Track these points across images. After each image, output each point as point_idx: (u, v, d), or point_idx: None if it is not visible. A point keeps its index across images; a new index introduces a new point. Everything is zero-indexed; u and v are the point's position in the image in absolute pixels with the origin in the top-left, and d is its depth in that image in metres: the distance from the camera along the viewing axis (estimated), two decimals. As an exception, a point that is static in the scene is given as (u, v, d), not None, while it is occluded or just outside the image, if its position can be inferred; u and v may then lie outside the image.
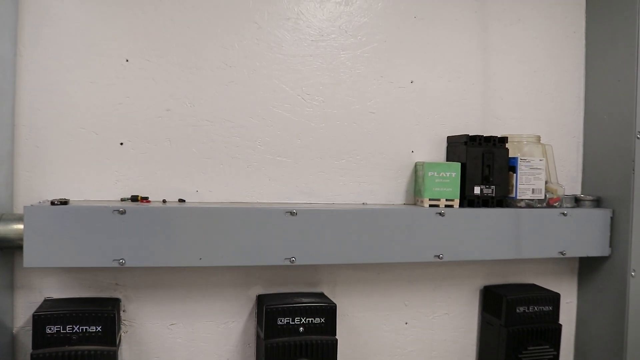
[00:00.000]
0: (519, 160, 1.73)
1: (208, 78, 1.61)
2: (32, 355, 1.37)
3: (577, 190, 1.98)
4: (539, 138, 1.82)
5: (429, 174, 1.67)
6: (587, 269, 1.96)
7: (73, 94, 1.53)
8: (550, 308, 1.79)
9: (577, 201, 1.90)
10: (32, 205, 1.37)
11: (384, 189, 1.77)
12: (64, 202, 1.40)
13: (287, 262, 1.49)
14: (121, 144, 1.56)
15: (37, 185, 1.51)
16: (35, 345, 1.39)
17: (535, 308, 1.77)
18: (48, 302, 1.50)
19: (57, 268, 1.53)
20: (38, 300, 1.51)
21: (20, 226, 1.38)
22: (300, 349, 1.53)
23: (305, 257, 1.51)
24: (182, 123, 1.60)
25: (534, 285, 1.91)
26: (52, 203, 1.38)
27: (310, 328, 1.55)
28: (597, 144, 1.95)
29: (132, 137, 1.57)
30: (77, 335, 1.41)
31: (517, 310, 1.74)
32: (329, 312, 1.57)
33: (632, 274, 1.78)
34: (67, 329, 1.41)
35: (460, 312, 1.87)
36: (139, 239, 1.40)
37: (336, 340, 1.56)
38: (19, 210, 1.48)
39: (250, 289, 1.66)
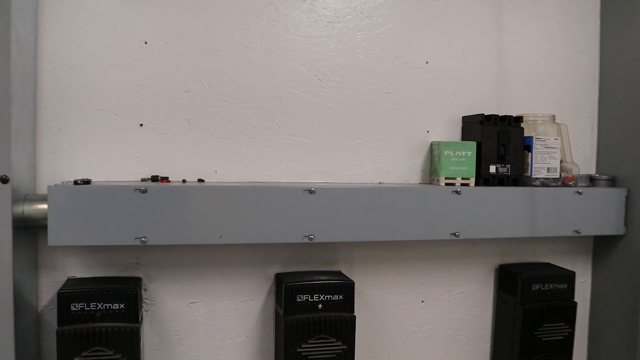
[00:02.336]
0: (534, 139, 1.74)
1: (226, 60, 1.63)
2: (57, 332, 1.40)
3: (591, 171, 1.99)
4: (553, 117, 1.83)
5: (445, 152, 1.68)
6: (601, 248, 1.97)
7: (93, 77, 1.55)
8: (566, 286, 1.80)
9: (591, 180, 1.91)
10: (55, 184, 1.39)
11: (400, 169, 1.78)
12: (87, 182, 1.42)
13: (306, 240, 1.51)
14: (141, 125, 1.58)
15: (59, 167, 1.54)
16: (61, 322, 1.42)
17: (551, 286, 1.78)
18: (71, 281, 1.52)
19: (80, 248, 1.56)
20: (62, 280, 1.54)
21: (44, 206, 1.41)
22: (319, 326, 1.55)
23: (324, 235, 1.53)
24: (201, 104, 1.62)
25: (548, 264, 1.92)
26: (75, 183, 1.40)
27: (328, 305, 1.57)
28: (611, 124, 1.95)
29: (151, 118, 1.59)
30: (101, 313, 1.44)
31: (533, 288, 1.76)
32: (347, 289, 1.59)
33: (647, 252, 1.79)
34: (91, 306, 1.43)
35: (475, 291, 1.89)
36: (160, 218, 1.42)
37: (354, 316, 1.58)
38: (42, 191, 1.51)
39: (269, 267, 1.69)
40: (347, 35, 1.73)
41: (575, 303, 1.81)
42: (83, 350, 1.40)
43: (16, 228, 1.36)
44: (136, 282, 1.54)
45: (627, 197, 1.84)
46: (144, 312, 1.59)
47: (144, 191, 1.41)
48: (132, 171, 1.58)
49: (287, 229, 1.50)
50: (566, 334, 1.79)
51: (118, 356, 1.42)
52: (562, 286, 1.79)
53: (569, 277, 1.81)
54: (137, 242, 1.41)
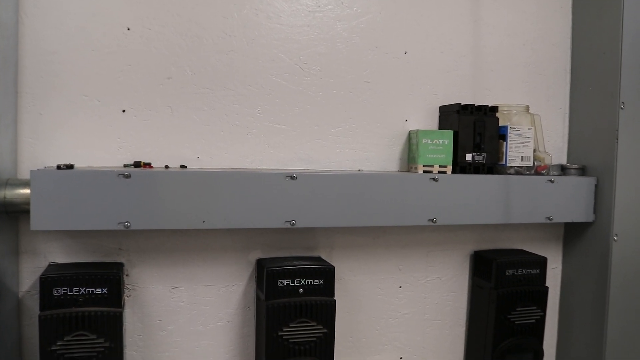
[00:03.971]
0: (508, 128, 1.79)
1: (208, 47, 1.64)
2: (39, 316, 1.40)
3: (562, 160, 2.05)
4: (527, 108, 1.88)
5: (423, 141, 1.72)
6: (571, 235, 2.04)
7: (75, 62, 1.55)
8: (538, 271, 1.86)
9: (563, 169, 1.97)
10: (38, 169, 1.39)
11: (379, 157, 1.82)
12: (70, 167, 1.42)
13: (288, 225, 1.53)
14: (123, 111, 1.59)
15: (40, 152, 1.54)
16: (43, 307, 1.42)
17: (524, 271, 1.83)
18: (53, 267, 1.52)
19: (62, 233, 1.56)
20: (43, 265, 1.54)
21: (26, 191, 1.41)
22: (300, 309, 1.58)
23: (305, 220, 1.55)
24: (183, 91, 1.63)
25: (521, 250, 1.98)
26: (58, 167, 1.41)
27: (309, 289, 1.60)
28: (582, 115, 2.01)
29: (134, 104, 1.59)
30: (84, 297, 1.44)
31: (507, 273, 1.81)
32: (328, 273, 1.62)
33: (615, 238, 1.86)
34: (74, 291, 1.43)
35: (451, 277, 1.94)
36: (143, 203, 1.43)
37: (334, 300, 1.61)
38: (23, 176, 1.50)
39: (250, 253, 1.71)
40: (328, 25, 1.75)
41: (547, 287, 1.87)
42: (66, 334, 1.40)
43: (-3, 214, 1.36)
44: (118, 267, 1.55)
45: (596, 185, 1.90)
46: (125, 298, 1.60)
47: (128, 176, 1.42)
48: (115, 157, 1.59)
49: (269, 214, 1.52)
50: (538, 317, 1.85)
51: (101, 340, 1.43)
52: (534, 271, 1.85)
53: (541, 263, 1.87)
54: (121, 227, 1.42)
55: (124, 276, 1.60)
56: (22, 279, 1.55)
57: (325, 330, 1.60)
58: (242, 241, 1.70)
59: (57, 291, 1.43)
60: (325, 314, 1.60)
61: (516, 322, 1.82)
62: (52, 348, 1.40)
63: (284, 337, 1.57)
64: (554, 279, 2.05)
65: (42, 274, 1.44)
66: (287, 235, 1.74)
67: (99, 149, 1.58)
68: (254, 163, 1.70)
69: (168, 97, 1.62)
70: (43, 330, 1.40)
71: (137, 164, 1.55)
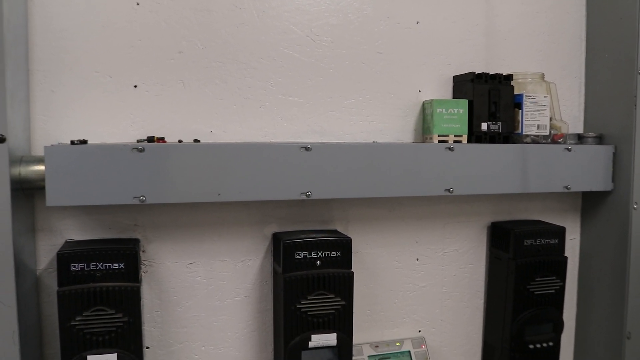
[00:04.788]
0: (524, 96, 1.77)
1: (219, 20, 1.63)
2: (58, 292, 1.40)
3: (579, 129, 2.02)
4: (542, 76, 1.85)
5: (438, 110, 1.70)
6: (589, 205, 2.01)
7: (85, 39, 1.54)
8: (556, 241, 1.84)
9: (580, 138, 1.94)
10: (52, 145, 1.39)
11: (393, 128, 1.80)
12: (84, 142, 1.42)
13: (303, 197, 1.52)
14: (135, 86, 1.58)
15: (53, 129, 1.53)
16: (61, 283, 1.41)
17: (542, 241, 1.81)
18: (69, 243, 1.52)
19: (77, 210, 1.56)
20: (59, 243, 1.54)
21: (41, 167, 1.41)
22: (318, 282, 1.57)
23: (320, 192, 1.54)
24: (195, 65, 1.62)
25: (539, 221, 1.96)
26: (72, 143, 1.40)
27: (326, 261, 1.59)
28: (598, 83, 1.98)
29: (145, 79, 1.58)
30: (101, 273, 1.44)
31: (525, 244, 1.79)
32: (345, 245, 1.61)
33: (635, 207, 1.83)
34: (91, 266, 1.43)
35: (469, 249, 1.92)
36: (158, 177, 1.43)
37: (352, 272, 1.60)
38: (37, 152, 1.50)
39: (266, 227, 1.70)
40: (339, -4, 1.74)
41: (566, 257, 1.85)
42: (84, 310, 1.40)
43: (13, 190, 1.36)
44: (135, 243, 1.55)
45: (614, 153, 1.87)
46: (142, 274, 1.60)
47: (142, 150, 1.41)
48: (128, 133, 1.58)
49: (284, 186, 1.51)
50: (557, 287, 1.83)
51: (120, 315, 1.43)
52: (553, 241, 1.83)
53: (560, 232, 1.85)
54: (136, 201, 1.41)
55: (140, 252, 1.59)
56: (39, 257, 1.55)
57: (343, 302, 1.59)
58: (257, 215, 1.69)
59: (74, 267, 1.42)
60: (343, 285, 1.59)
61: (535, 293, 1.80)
62: (72, 323, 1.40)
63: (303, 309, 1.56)
64: (572, 250, 2.03)
65: (59, 250, 1.43)
66: (303, 209, 1.73)
67: (112, 125, 1.57)
68: (267, 136, 1.68)
69: (179, 71, 1.61)
70: (62, 305, 1.40)
71: (150, 139, 1.54)
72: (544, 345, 1.83)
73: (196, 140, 1.60)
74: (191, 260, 1.65)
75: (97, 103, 1.56)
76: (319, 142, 1.59)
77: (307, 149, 1.52)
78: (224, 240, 1.67)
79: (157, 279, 1.63)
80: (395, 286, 1.85)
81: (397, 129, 1.80)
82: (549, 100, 1.79)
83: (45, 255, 1.55)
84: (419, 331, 1.90)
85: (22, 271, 1.41)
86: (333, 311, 1.58)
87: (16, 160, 1.39)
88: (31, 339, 1.48)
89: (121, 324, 1.43)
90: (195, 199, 1.47)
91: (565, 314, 1.88)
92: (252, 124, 1.67)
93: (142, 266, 1.60)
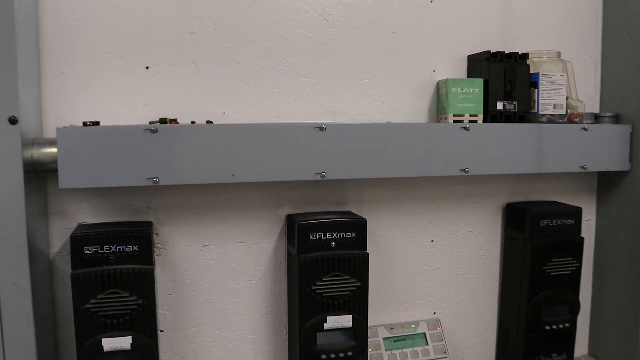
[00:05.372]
0: (540, 75, 1.74)
1: (230, 0, 1.60)
2: (72, 275, 1.39)
3: (595, 109, 1.99)
4: (559, 54, 1.82)
5: (453, 89, 1.67)
6: (606, 185, 1.99)
7: (96, 20, 1.52)
8: (573, 221, 1.81)
9: (596, 118, 1.91)
10: (64, 126, 1.37)
11: (407, 108, 1.78)
12: (96, 124, 1.40)
13: (318, 177, 1.50)
14: (147, 68, 1.56)
15: (65, 111, 1.52)
16: (74, 265, 1.41)
17: (558, 221, 1.79)
18: (82, 226, 1.51)
19: (90, 193, 1.55)
20: (72, 226, 1.53)
21: (53, 149, 1.39)
22: (333, 263, 1.56)
23: (335, 172, 1.52)
24: (207, 46, 1.59)
25: (555, 201, 1.94)
26: (84, 124, 1.39)
27: (341, 243, 1.58)
28: (615, 62, 1.95)
29: (157, 60, 1.57)
30: (115, 255, 1.43)
31: (541, 224, 1.77)
32: (360, 226, 1.59)
33: (652, 186, 1.81)
34: (104, 249, 1.42)
35: (484, 230, 1.91)
36: (171, 158, 1.41)
37: (367, 253, 1.59)
38: (49, 135, 1.49)
39: (280, 209, 1.69)
40: (352, -26, 1.71)
41: (582, 238, 1.83)
42: (98, 292, 1.40)
43: (26, 172, 1.34)
44: (148, 225, 1.54)
45: (631, 133, 1.84)
46: (156, 257, 1.59)
47: (154, 131, 1.39)
48: (140, 114, 1.56)
49: (299, 167, 1.50)
50: (574, 268, 1.81)
51: (134, 298, 1.42)
52: (569, 222, 1.81)
53: (576, 213, 1.82)
54: (149, 183, 1.40)
55: (154, 235, 1.58)
56: (52, 240, 1.54)
57: (358, 284, 1.58)
58: (271, 197, 1.68)
59: (87, 250, 1.42)
60: (359, 267, 1.58)
61: (551, 274, 1.78)
62: (86, 306, 1.39)
63: (317, 291, 1.55)
64: (588, 231, 2.01)
65: (73, 233, 1.43)
66: (316, 190, 1.71)
67: (124, 106, 1.55)
68: (280, 117, 1.66)
69: (192, 52, 1.59)
70: (76, 288, 1.39)
71: (162, 121, 1.52)
72: (560, 326, 1.81)
73: (209, 122, 1.58)
74: (204, 243, 1.64)
75: (108, 85, 1.54)
76: (333, 122, 1.56)
77: (321, 129, 1.50)
78: (237, 222, 1.65)
79: (170, 261, 1.62)
80: (409, 268, 1.84)
81: (412, 109, 1.78)
82: (565, 79, 1.76)
83: (58, 239, 1.55)
84: (434, 313, 1.88)
85: (36, 255, 1.41)
86: (348, 292, 1.57)
87: (28, 142, 1.38)
88: (45, 323, 1.48)
89: (135, 306, 1.42)
90: (209, 180, 1.45)
91: (581, 295, 1.86)
92: (265, 104, 1.65)
93: (155, 249, 1.59)
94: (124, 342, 1.42)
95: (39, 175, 1.44)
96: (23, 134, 1.33)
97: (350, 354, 1.60)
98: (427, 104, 1.80)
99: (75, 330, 1.40)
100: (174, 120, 1.53)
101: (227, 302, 1.68)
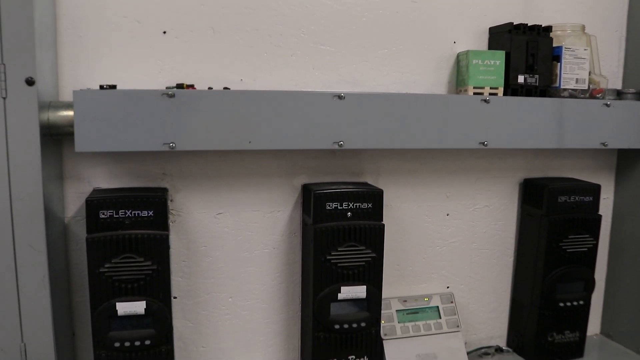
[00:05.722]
0: (563, 49, 1.70)
1: (249, -36, 1.58)
2: (87, 239, 1.39)
3: (617, 86, 1.96)
4: (583, 28, 1.78)
5: (474, 61, 1.65)
6: (625, 163, 1.96)
7: (114, -18, 1.51)
8: (591, 198, 1.79)
9: (619, 94, 1.87)
10: (81, 89, 1.36)
11: (426, 80, 1.75)
12: (113, 87, 1.39)
13: (335, 146, 1.49)
14: (164, 32, 1.54)
15: (81, 75, 1.50)
16: (90, 230, 1.40)
17: (576, 198, 1.77)
18: (97, 191, 1.51)
19: (105, 158, 1.54)
20: (87, 191, 1.53)
21: (69, 113, 1.39)
22: (349, 233, 1.55)
23: (353, 142, 1.50)
24: (225, 11, 1.57)
25: (572, 178, 1.91)
26: (101, 87, 1.37)
27: (357, 213, 1.56)
28: (640, 38, 1.91)
29: (175, 25, 1.54)
30: (130, 220, 1.42)
31: (559, 200, 1.75)
32: (376, 197, 1.58)
33: (673, 165, 1.79)
34: (120, 213, 1.42)
35: (500, 205, 1.89)
36: (188, 123, 1.40)
37: (383, 225, 1.58)
38: (65, 98, 1.48)
39: (295, 178, 1.67)
40: (373, -59, 1.67)
41: (600, 215, 1.81)
42: (113, 257, 1.39)
43: (42, 135, 1.34)
44: (163, 191, 1.53)
45: (654, 110, 1.81)
46: (170, 224, 1.59)
47: (172, 96, 1.38)
48: (156, 80, 1.55)
49: (316, 135, 1.48)
50: (590, 245, 1.79)
51: (148, 263, 1.42)
52: (587, 199, 1.79)
53: (595, 190, 1.80)
54: (166, 148, 1.39)
55: (169, 201, 1.58)
56: (68, 205, 1.54)
57: (374, 255, 1.57)
58: (287, 166, 1.66)
59: (103, 214, 1.41)
60: (374, 238, 1.57)
61: (568, 250, 1.77)
62: (101, 270, 1.39)
63: (332, 261, 1.54)
64: (605, 209, 1.99)
65: (88, 197, 1.42)
66: (333, 161, 1.70)
67: (140, 71, 1.54)
68: (298, 86, 1.64)
69: (209, 17, 1.56)
70: (91, 252, 1.39)
71: (179, 87, 1.50)
72: (575, 303, 1.80)
73: (226, 88, 1.56)
74: (219, 211, 1.63)
75: (125, 49, 1.52)
76: (352, 92, 1.54)
77: (340, 97, 1.48)
78: (252, 190, 1.65)
79: (185, 229, 1.62)
80: (424, 241, 1.83)
81: (431, 80, 1.76)
82: (589, 54, 1.73)
83: (73, 203, 1.54)
84: (447, 287, 1.88)
85: (51, 218, 1.40)
86: (363, 263, 1.57)
87: (45, 105, 1.37)
88: (60, 286, 1.48)
89: (150, 271, 1.42)
90: (226, 146, 1.44)
91: (596, 274, 1.84)
92: (283, 72, 1.63)
93: (170, 216, 1.59)
94: (138, 307, 1.42)
95: (55, 139, 1.44)
96: (39, 96, 1.32)
97: (363, 324, 1.59)
98: (446, 76, 1.77)
99: (90, 294, 1.40)
100: (191, 86, 1.52)
101: (240, 271, 1.68)
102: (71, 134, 1.36)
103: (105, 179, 1.56)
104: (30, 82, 1.29)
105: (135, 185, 1.57)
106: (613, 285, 2.03)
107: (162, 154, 1.57)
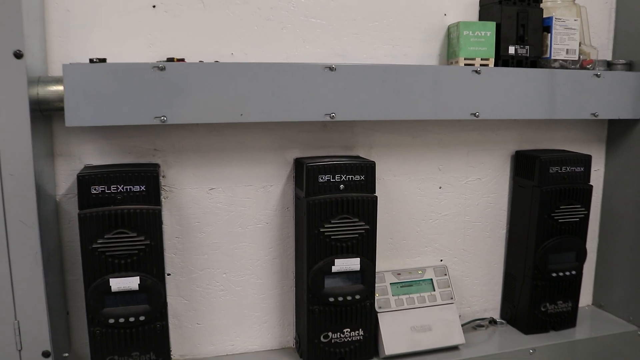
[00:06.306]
0: (553, 19, 1.71)
1: (238, -64, 1.57)
2: (79, 214, 1.38)
3: (608, 57, 1.96)
4: (573, -1, 1.79)
5: (464, 32, 1.64)
6: (615, 135, 1.97)
7: (101, -45, 1.49)
8: (582, 169, 1.80)
9: (609, 65, 1.88)
10: (70, 63, 1.35)
11: (417, 53, 1.74)
12: (103, 61, 1.38)
13: (327, 118, 1.49)
14: (154, 6, 1.52)
15: (70, 50, 1.48)
16: (82, 205, 1.40)
17: (568, 169, 1.78)
18: (89, 168, 1.50)
19: (96, 134, 1.53)
20: (78, 168, 1.51)
21: (58, 87, 1.37)
22: (342, 206, 1.55)
23: (345, 114, 1.50)
24: (214, -16, 1.56)
25: (564, 150, 1.92)
26: (91, 61, 1.36)
27: (350, 185, 1.56)
28: (630, 9, 1.91)
29: (164, -1, 1.53)
30: (122, 195, 1.42)
31: (550, 171, 1.76)
32: (369, 169, 1.58)
33: (663, 135, 1.79)
34: (112, 189, 1.41)
35: (492, 178, 1.89)
36: (179, 96, 1.39)
37: (376, 197, 1.58)
38: (54, 73, 1.46)
39: (287, 152, 1.67)
40: None
41: (591, 186, 1.82)
42: (106, 232, 1.39)
43: (32, 111, 1.32)
44: (155, 166, 1.52)
45: (644, 81, 1.82)
46: (162, 200, 1.58)
47: (162, 69, 1.37)
48: (146, 55, 1.53)
49: (308, 107, 1.48)
50: (582, 215, 1.80)
51: (141, 238, 1.41)
52: (578, 169, 1.80)
53: (586, 160, 1.81)
54: (157, 122, 1.38)
55: (160, 177, 1.57)
56: (59, 182, 1.53)
57: (367, 227, 1.57)
58: (279, 140, 1.66)
59: (95, 189, 1.40)
60: (367, 210, 1.57)
61: (560, 221, 1.78)
62: (94, 246, 1.39)
63: (326, 233, 1.55)
64: (596, 181, 1.99)
65: (80, 173, 1.41)
66: (325, 134, 1.69)
67: (130, 46, 1.52)
68: (289, 59, 1.63)
69: (199, -10, 1.55)
70: (83, 228, 1.38)
71: (170, 60, 1.49)
72: (567, 273, 1.81)
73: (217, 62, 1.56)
74: (212, 186, 1.63)
75: (114, 23, 1.50)
76: (343, 63, 1.53)
77: (331, 69, 1.47)
78: (245, 165, 1.64)
79: (177, 204, 1.61)
80: (417, 214, 1.83)
81: (422, 53, 1.75)
82: (579, 24, 1.73)
83: (64, 181, 1.53)
84: (441, 260, 1.88)
85: (42, 195, 1.39)
86: (357, 235, 1.57)
87: (33, 80, 1.35)
88: (53, 263, 1.47)
89: (143, 247, 1.42)
90: (218, 119, 1.43)
91: (587, 246, 1.86)
92: (274, 46, 1.62)
93: (162, 192, 1.58)
94: (131, 283, 1.42)
95: (45, 114, 1.42)
96: (28, 71, 1.30)
97: (358, 297, 1.60)
98: (437, 49, 1.77)
99: (83, 271, 1.40)
100: (181, 60, 1.50)
101: (234, 246, 1.67)
102: (61, 110, 1.34)
103: (96, 156, 1.54)
104: (18, 55, 1.27)
105: (127, 162, 1.56)
106: (604, 256, 2.04)
107: (153, 130, 1.55)
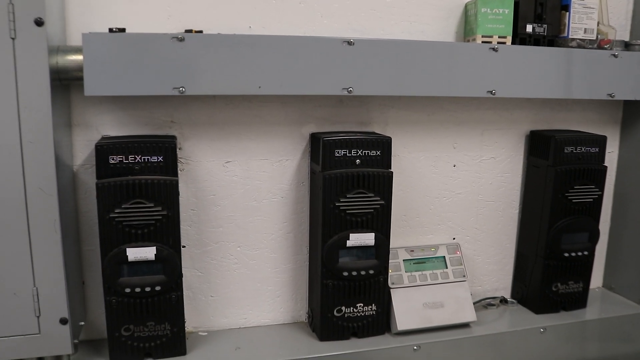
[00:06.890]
0: (572, -2, 1.70)
1: None
2: (97, 184, 1.39)
3: (625, 37, 1.95)
4: (592, -23, 1.78)
5: (482, 10, 1.64)
6: (631, 116, 1.97)
7: None
8: (597, 150, 1.80)
9: (627, 45, 1.87)
10: (90, 32, 1.35)
11: (434, 30, 1.74)
12: (122, 30, 1.38)
13: (345, 92, 1.49)
14: (172, -22, 1.53)
15: (89, 21, 1.48)
16: (99, 175, 1.41)
17: (582, 149, 1.78)
18: (106, 138, 1.51)
19: (113, 105, 1.53)
20: (95, 138, 1.52)
21: (78, 57, 1.37)
22: (357, 180, 1.55)
23: (362, 88, 1.50)
24: (233, -44, 1.56)
25: (579, 130, 1.92)
26: (110, 30, 1.36)
27: (366, 160, 1.57)
28: (649, -11, 1.91)
29: (182, -30, 1.53)
30: (140, 166, 1.43)
31: (565, 151, 1.76)
32: (385, 145, 1.58)
33: (679, 117, 1.79)
34: (130, 159, 1.42)
35: (506, 157, 1.89)
36: (198, 67, 1.39)
37: (392, 172, 1.58)
38: (73, 43, 1.46)
39: (304, 127, 1.67)
40: None
41: (606, 167, 1.81)
42: (123, 202, 1.40)
43: (52, 80, 1.32)
44: (172, 138, 1.53)
45: (662, 62, 1.81)
46: (179, 172, 1.58)
47: (181, 39, 1.37)
48: (164, 26, 1.53)
49: (325, 81, 1.48)
50: (596, 196, 1.80)
51: (158, 208, 1.42)
52: (593, 150, 1.79)
53: (601, 141, 1.81)
54: (175, 92, 1.38)
55: (177, 149, 1.57)
56: (76, 152, 1.54)
57: (382, 202, 1.58)
58: (295, 114, 1.66)
59: (112, 159, 1.41)
60: (383, 185, 1.58)
61: (573, 201, 1.78)
62: (111, 216, 1.40)
63: (341, 207, 1.55)
64: (610, 163, 1.98)
65: (98, 143, 1.42)
66: (341, 109, 1.69)
67: (148, 17, 1.52)
68: (306, 33, 1.63)
69: (218, -38, 1.55)
70: (101, 198, 1.39)
71: (188, 32, 1.49)
72: (579, 254, 1.82)
73: (234, 35, 1.56)
74: (228, 159, 1.63)
75: (133, -6, 1.51)
76: (361, 38, 1.53)
77: (349, 43, 1.47)
78: (261, 139, 1.64)
79: (193, 177, 1.62)
80: (431, 192, 1.83)
81: (439, 30, 1.74)
82: (597, 3, 1.72)
83: (81, 151, 1.54)
84: (453, 238, 1.89)
85: (60, 165, 1.39)
86: (372, 210, 1.58)
87: (53, 49, 1.35)
88: (70, 232, 1.48)
89: (160, 217, 1.43)
90: (236, 91, 1.44)
91: (599, 227, 1.86)
92: (292, 20, 1.61)
93: (179, 164, 1.58)
94: (148, 253, 1.43)
95: (64, 84, 1.43)
96: (48, 40, 1.30)
97: (371, 272, 1.61)
98: (454, 26, 1.76)
99: (100, 240, 1.41)
100: (200, 32, 1.51)
101: (249, 220, 1.68)
102: (80, 79, 1.35)
103: (113, 127, 1.55)
104: (39, 22, 1.27)
105: (144, 133, 1.57)
106: (616, 239, 2.04)
107: (171, 101, 1.56)
